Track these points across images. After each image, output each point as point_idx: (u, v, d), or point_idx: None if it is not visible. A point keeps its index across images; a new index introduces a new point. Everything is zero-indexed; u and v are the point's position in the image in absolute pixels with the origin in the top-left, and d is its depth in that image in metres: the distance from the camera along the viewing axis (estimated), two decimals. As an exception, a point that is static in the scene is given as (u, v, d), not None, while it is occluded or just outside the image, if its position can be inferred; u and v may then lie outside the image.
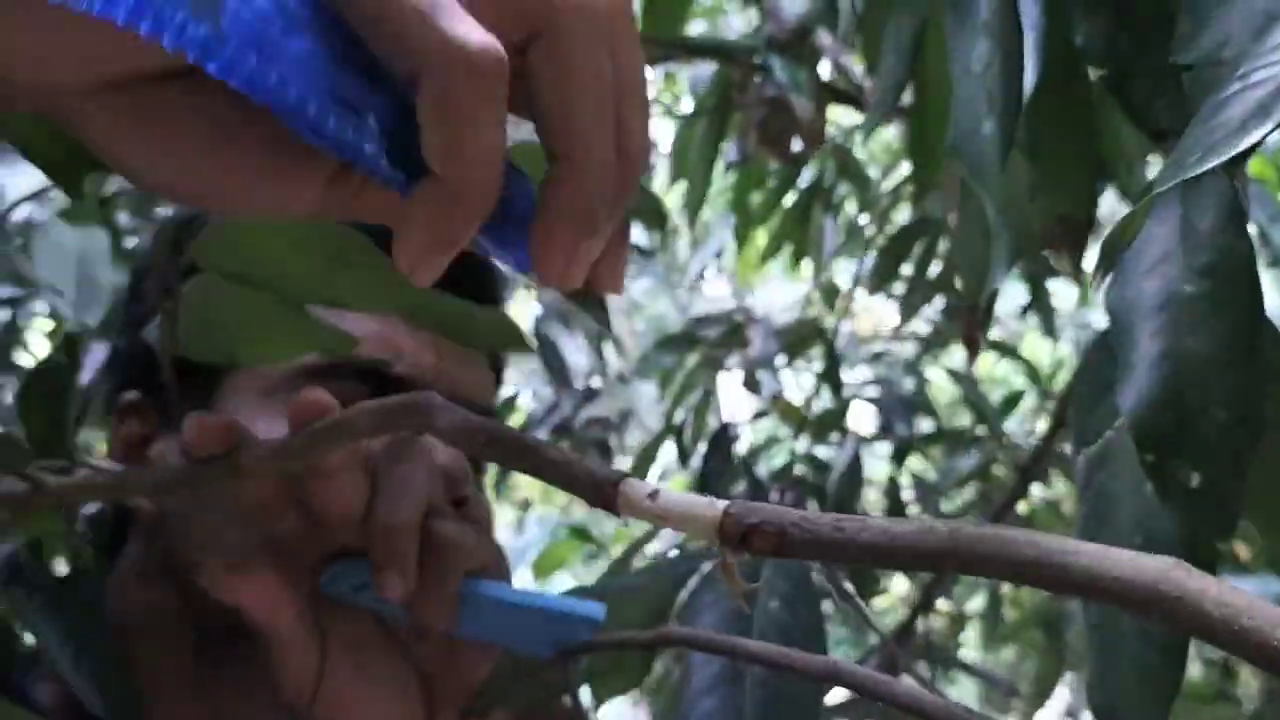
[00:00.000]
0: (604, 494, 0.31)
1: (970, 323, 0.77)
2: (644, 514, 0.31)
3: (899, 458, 1.26)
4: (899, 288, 1.31)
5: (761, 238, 1.38)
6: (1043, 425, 1.52)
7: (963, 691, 2.01)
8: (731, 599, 0.30)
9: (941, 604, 1.52)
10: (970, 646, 1.94)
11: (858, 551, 0.27)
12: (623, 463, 1.67)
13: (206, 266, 0.41)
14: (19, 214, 0.78)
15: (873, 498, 1.60)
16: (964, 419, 1.66)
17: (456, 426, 0.34)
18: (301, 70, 0.24)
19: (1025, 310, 1.30)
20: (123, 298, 0.60)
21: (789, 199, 1.31)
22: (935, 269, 1.26)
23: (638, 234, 1.53)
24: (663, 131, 1.67)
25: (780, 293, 2.14)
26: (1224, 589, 0.22)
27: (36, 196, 0.66)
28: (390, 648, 0.51)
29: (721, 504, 0.30)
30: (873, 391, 1.31)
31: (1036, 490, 1.39)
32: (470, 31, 0.23)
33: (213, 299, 0.42)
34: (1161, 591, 0.22)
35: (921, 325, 1.44)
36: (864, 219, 1.42)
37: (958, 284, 1.31)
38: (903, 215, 1.39)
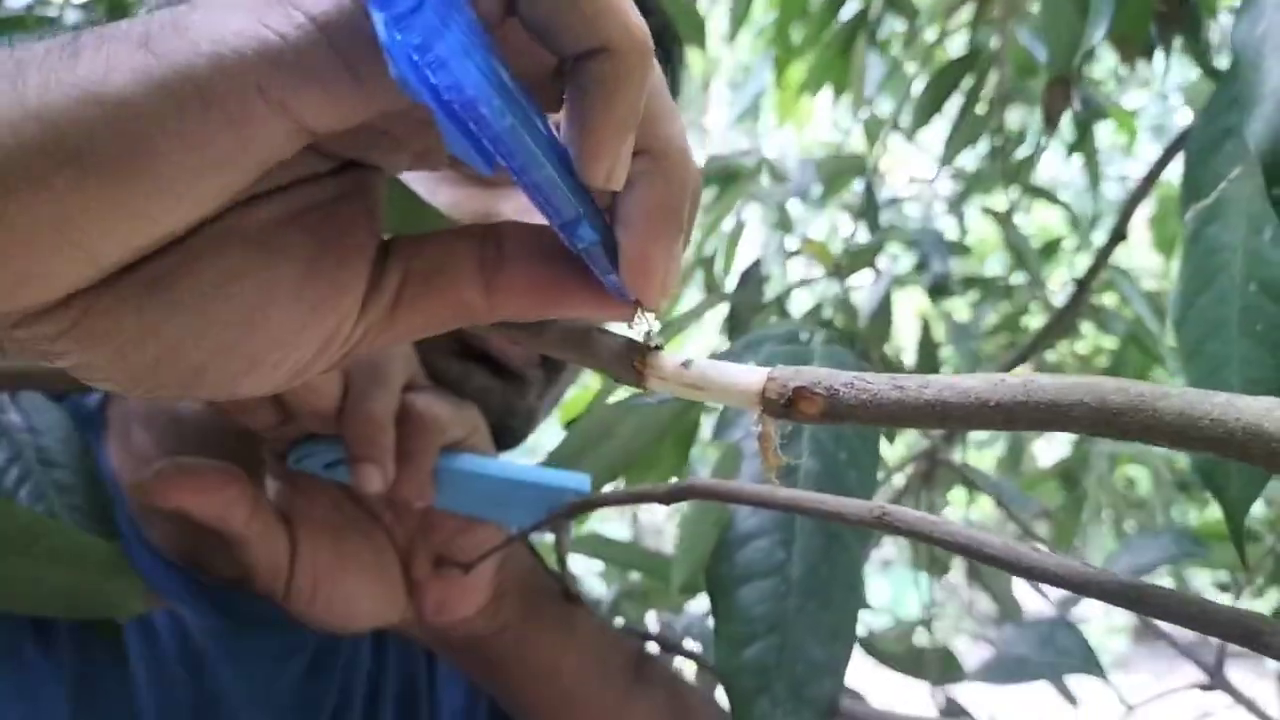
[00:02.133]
0: (631, 368, 0.29)
1: (1055, 95, 0.74)
2: (677, 386, 0.29)
3: (935, 295, 1.24)
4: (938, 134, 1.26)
5: (799, 74, 1.33)
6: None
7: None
8: (766, 472, 0.29)
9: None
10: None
11: (920, 411, 0.26)
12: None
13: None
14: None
15: (898, 344, 1.59)
16: (999, 268, 1.63)
17: None
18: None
19: (1071, 150, 1.26)
20: None
21: (832, 30, 1.25)
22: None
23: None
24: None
25: (797, 140, 2.08)
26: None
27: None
28: (366, 526, 0.50)
29: (762, 370, 0.28)
30: (909, 230, 1.27)
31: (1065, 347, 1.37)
32: (640, 22, 0.24)
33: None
34: (1268, 431, 0.21)
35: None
36: (907, 54, 1.36)
37: (1009, 123, 1.26)
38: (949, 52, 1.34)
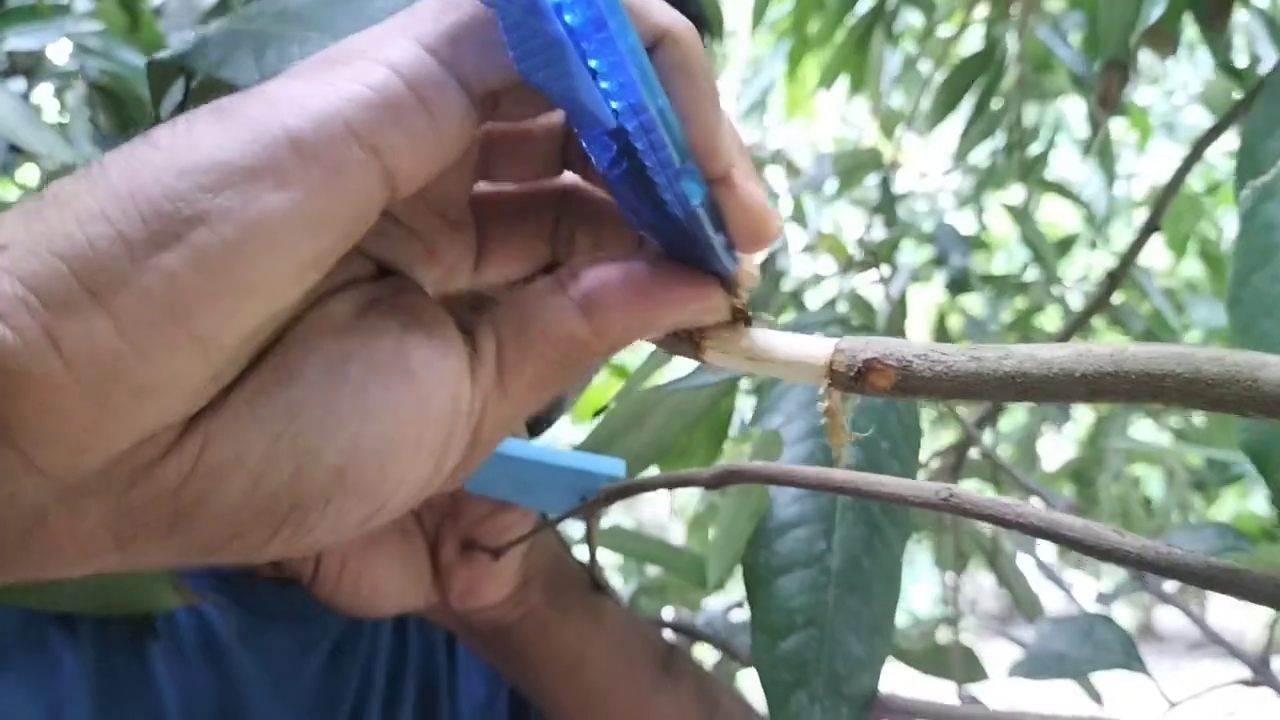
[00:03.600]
0: (689, 339, 0.28)
1: (1109, 80, 0.73)
2: (737, 359, 0.28)
3: (954, 289, 1.23)
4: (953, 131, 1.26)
5: (814, 70, 1.32)
6: (1096, 274, 1.48)
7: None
8: (835, 450, 0.28)
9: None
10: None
11: (1000, 383, 0.25)
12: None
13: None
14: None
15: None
16: (1015, 264, 1.62)
17: None
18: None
19: (1087, 148, 1.25)
20: None
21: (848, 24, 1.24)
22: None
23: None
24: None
25: (805, 134, 2.07)
26: None
27: None
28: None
29: (830, 341, 0.27)
30: (927, 225, 1.27)
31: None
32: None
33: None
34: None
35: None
36: (923, 49, 1.35)
37: (1024, 119, 1.25)
38: (964, 49, 1.33)
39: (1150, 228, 0.70)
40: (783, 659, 0.40)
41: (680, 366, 0.45)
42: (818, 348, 0.27)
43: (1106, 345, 0.23)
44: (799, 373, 0.28)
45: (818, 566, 0.41)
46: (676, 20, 0.25)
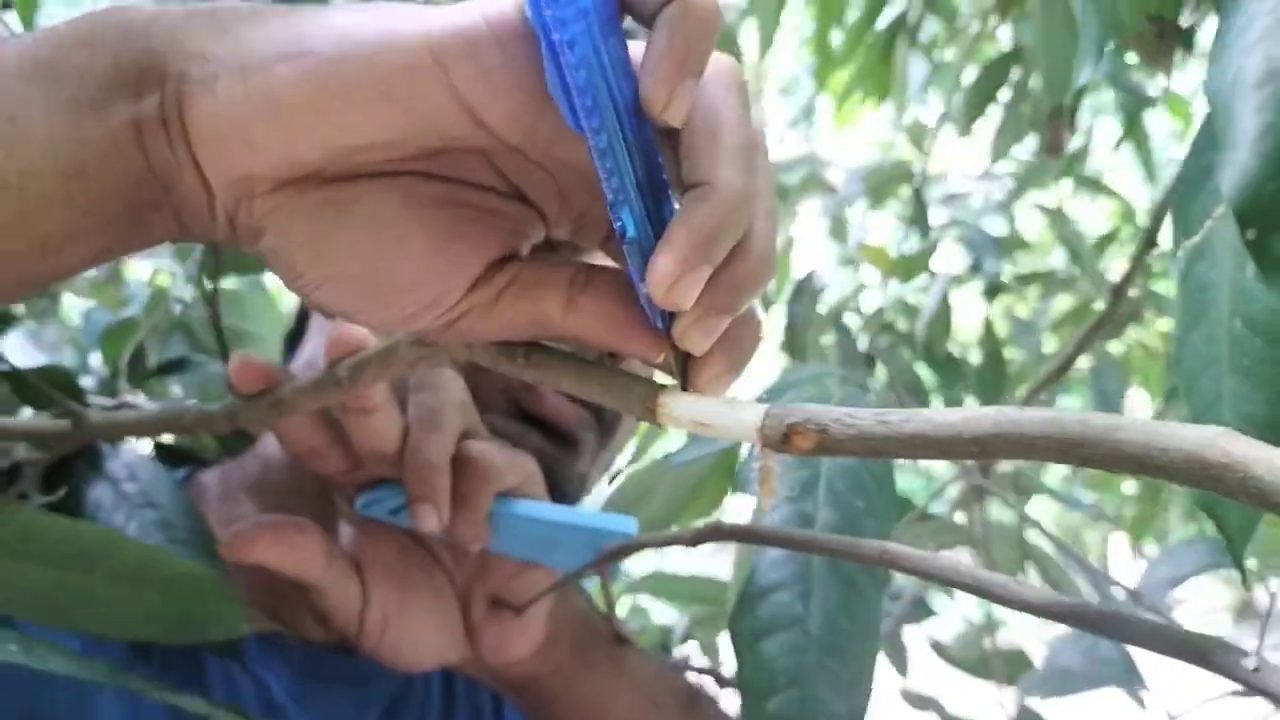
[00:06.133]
0: (644, 407, 0.31)
1: (1055, 128, 0.74)
2: (687, 424, 0.31)
3: (990, 295, 1.23)
4: (986, 130, 1.26)
5: (842, 81, 1.33)
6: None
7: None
8: (761, 503, 0.30)
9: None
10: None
11: (903, 444, 0.27)
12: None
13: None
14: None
15: (964, 340, 1.58)
16: (1057, 261, 1.61)
17: (494, 346, 0.34)
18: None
19: (1120, 142, 1.24)
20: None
21: (871, 37, 1.25)
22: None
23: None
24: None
25: (849, 145, 2.07)
26: (1275, 454, 0.22)
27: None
28: (430, 570, 0.52)
29: (762, 407, 0.29)
30: (961, 231, 1.27)
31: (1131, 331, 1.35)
32: None
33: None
34: (1209, 460, 0.22)
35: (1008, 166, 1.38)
36: (950, 54, 1.36)
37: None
38: (991, 52, 1.33)
39: (1148, 243, 0.70)
40: (770, 718, 0.42)
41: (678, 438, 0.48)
42: (751, 414, 0.30)
43: (992, 410, 0.26)
44: (738, 435, 0.30)
45: (798, 629, 0.43)
46: None
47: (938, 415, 0.26)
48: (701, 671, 0.73)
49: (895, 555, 0.31)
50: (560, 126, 0.29)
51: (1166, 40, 0.48)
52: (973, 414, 0.26)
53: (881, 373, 1.19)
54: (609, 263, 0.34)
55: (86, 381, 0.67)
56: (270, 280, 0.81)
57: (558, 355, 0.33)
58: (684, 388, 0.31)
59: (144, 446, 0.62)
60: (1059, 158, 0.71)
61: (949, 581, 0.30)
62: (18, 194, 0.28)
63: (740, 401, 0.31)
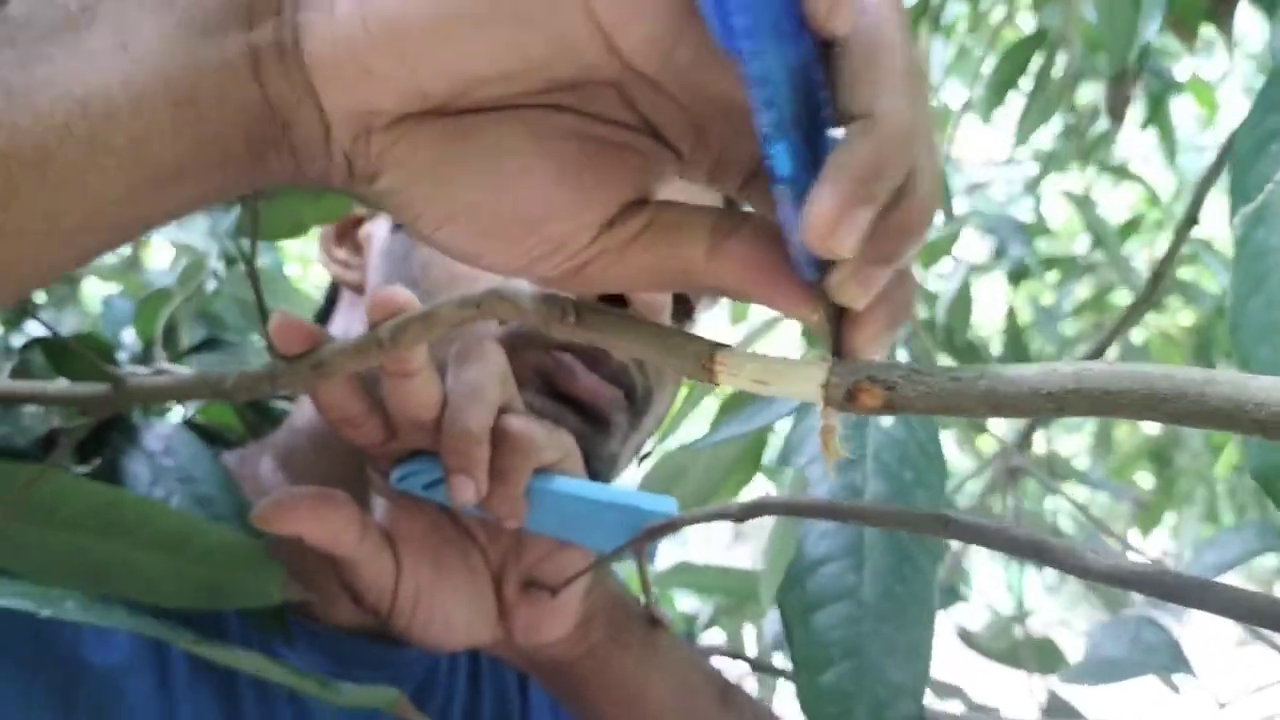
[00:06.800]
0: (701, 365, 0.30)
1: (1117, 91, 0.73)
2: (745, 382, 0.30)
3: (1015, 280, 1.22)
4: (1008, 118, 1.25)
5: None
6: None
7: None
8: (826, 465, 0.29)
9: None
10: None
11: (976, 401, 0.26)
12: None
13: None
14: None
15: (986, 333, 1.57)
16: (1080, 247, 1.60)
17: (543, 305, 0.33)
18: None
19: (1146, 123, 1.23)
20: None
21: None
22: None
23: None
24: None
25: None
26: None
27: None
28: (464, 548, 0.51)
29: (825, 364, 0.28)
30: (983, 219, 1.26)
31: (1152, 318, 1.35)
32: None
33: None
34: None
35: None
36: (971, 40, 1.35)
37: (1078, 99, 1.24)
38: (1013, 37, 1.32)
39: (1189, 221, 0.69)
40: (825, 693, 0.41)
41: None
42: (814, 370, 0.29)
43: (1071, 364, 0.25)
44: (799, 393, 0.29)
45: (851, 599, 0.42)
46: None
47: (1011, 371, 0.26)
48: (731, 656, 0.73)
49: (957, 523, 0.30)
50: (699, 55, 0.26)
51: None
52: (1050, 368, 0.25)
53: (902, 358, 1.19)
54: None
55: (120, 357, 0.67)
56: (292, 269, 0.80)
57: (610, 314, 0.32)
58: (835, 350, 0.29)
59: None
60: (1121, 123, 0.70)
61: (1013, 550, 0.29)
62: (130, 119, 0.26)
63: (803, 359, 0.30)
